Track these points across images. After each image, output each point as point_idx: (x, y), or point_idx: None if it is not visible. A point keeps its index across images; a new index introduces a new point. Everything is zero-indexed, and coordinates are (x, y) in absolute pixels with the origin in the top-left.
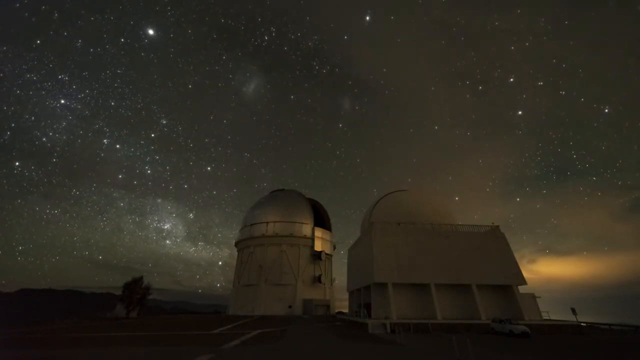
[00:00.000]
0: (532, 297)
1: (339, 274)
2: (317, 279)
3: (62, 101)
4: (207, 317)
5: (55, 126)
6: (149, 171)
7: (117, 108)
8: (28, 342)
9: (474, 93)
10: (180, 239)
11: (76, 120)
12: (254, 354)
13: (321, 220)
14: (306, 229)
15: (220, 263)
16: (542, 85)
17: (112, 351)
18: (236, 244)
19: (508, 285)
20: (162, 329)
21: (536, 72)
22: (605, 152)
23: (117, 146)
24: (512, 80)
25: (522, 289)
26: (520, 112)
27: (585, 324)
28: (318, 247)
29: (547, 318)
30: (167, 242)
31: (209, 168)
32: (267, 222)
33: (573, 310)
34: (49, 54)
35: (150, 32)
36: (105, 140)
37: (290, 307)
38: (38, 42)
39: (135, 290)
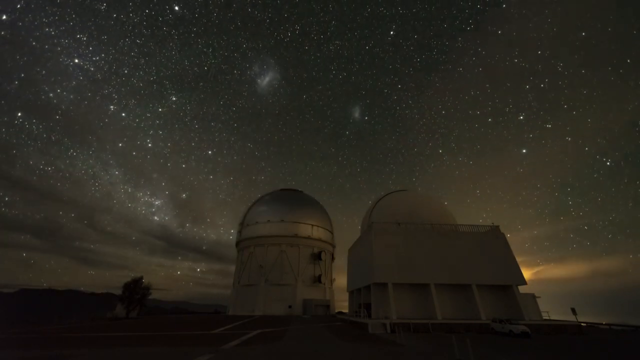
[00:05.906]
0: (532, 297)
1: (339, 274)
2: (317, 279)
3: (76, 60)
4: (207, 317)
5: (64, 84)
6: (149, 144)
7: (130, 77)
8: (28, 342)
9: (482, 124)
10: (168, 217)
11: (87, 82)
12: (254, 354)
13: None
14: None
15: (204, 247)
16: (550, 128)
17: (112, 351)
18: (237, 244)
19: (508, 285)
20: (162, 329)
21: (546, 114)
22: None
23: (123, 114)
24: (521, 118)
25: (522, 288)
26: (524, 150)
27: (585, 324)
28: (318, 247)
29: (547, 318)
30: (155, 218)
31: (210, 152)
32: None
33: (573, 310)
34: (72, 12)
35: (176, 8)
36: (111, 107)
37: (290, 307)
38: None
39: (135, 290)
